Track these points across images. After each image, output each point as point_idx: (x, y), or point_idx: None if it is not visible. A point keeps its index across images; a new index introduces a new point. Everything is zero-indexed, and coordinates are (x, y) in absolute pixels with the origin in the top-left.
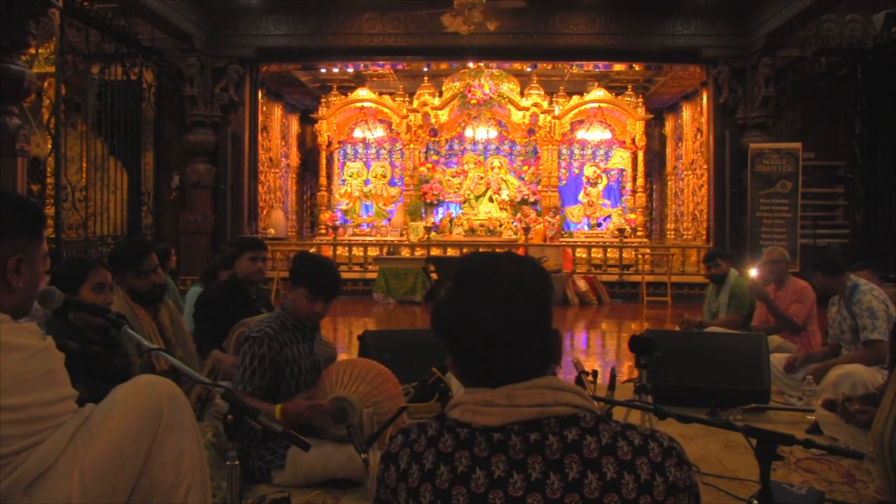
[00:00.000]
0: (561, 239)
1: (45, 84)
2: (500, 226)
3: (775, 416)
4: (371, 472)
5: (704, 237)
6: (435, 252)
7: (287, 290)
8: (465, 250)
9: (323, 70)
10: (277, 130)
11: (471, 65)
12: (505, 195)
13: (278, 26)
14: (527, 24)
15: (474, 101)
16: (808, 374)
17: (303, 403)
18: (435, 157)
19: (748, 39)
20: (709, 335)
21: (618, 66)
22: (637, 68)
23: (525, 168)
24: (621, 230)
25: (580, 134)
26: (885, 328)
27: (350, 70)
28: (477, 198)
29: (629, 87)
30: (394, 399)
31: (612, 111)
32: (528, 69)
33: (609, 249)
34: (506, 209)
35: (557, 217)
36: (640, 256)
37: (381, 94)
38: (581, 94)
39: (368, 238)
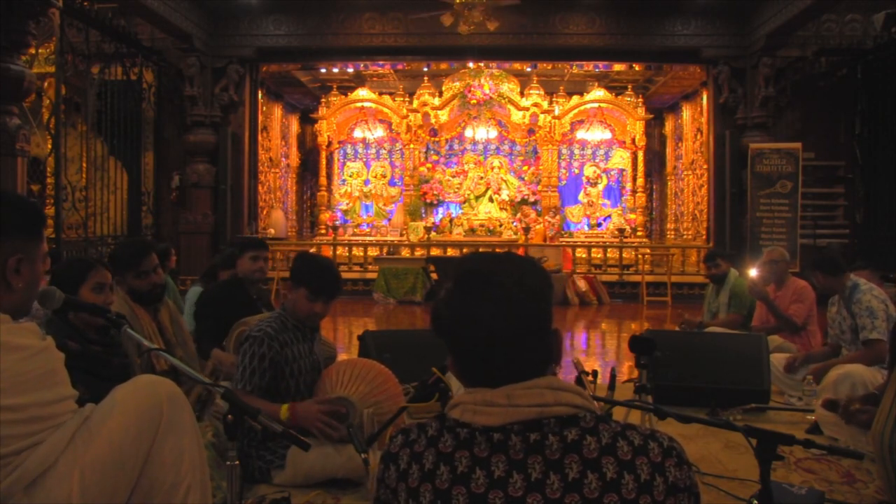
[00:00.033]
0: (561, 239)
1: (45, 84)
2: (500, 226)
3: (775, 416)
4: (371, 472)
5: (704, 237)
6: (435, 252)
7: (287, 290)
8: (465, 250)
9: (323, 70)
10: (277, 130)
11: (471, 65)
12: (505, 195)
13: (278, 26)
14: (527, 24)
15: (474, 101)
16: (808, 374)
17: (314, 408)
18: (435, 157)
19: (748, 39)
20: (709, 335)
21: (618, 66)
22: (637, 68)
23: (525, 168)
24: (621, 230)
25: (580, 134)
26: (884, 328)
27: (350, 70)
28: (477, 198)
29: (629, 87)
30: (394, 399)
31: (612, 111)
32: (528, 69)
33: (609, 249)
34: (506, 209)
35: (557, 217)
36: (640, 256)
37: (381, 94)
38: (581, 94)
39: (368, 238)
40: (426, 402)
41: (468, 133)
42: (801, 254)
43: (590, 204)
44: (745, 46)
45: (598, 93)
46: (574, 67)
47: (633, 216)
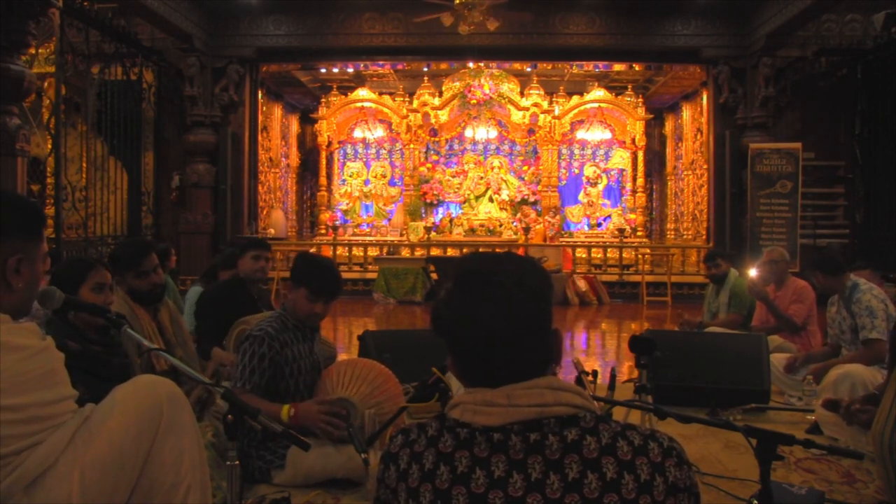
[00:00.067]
0: (561, 239)
1: (45, 84)
2: (500, 226)
3: (775, 416)
4: (371, 472)
5: (704, 237)
6: (435, 252)
7: (287, 290)
8: (465, 250)
9: (323, 70)
10: (277, 130)
11: (471, 65)
12: (505, 195)
13: (278, 26)
14: (527, 24)
15: (474, 101)
16: (808, 374)
17: (315, 408)
18: (435, 157)
19: (748, 39)
20: (709, 335)
21: (618, 66)
22: (637, 68)
23: (525, 168)
24: (621, 230)
25: (580, 134)
26: (884, 327)
27: (350, 70)
28: (477, 198)
29: (629, 87)
30: (395, 399)
31: (612, 111)
32: (528, 69)
33: (609, 249)
34: (506, 209)
35: (557, 217)
36: (640, 256)
37: (381, 94)
38: (581, 94)
39: (368, 238)
40: (426, 402)
41: (468, 133)
42: (801, 254)
43: (590, 204)
44: (745, 46)
45: (598, 93)
46: (574, 67)
47: (633, 216)
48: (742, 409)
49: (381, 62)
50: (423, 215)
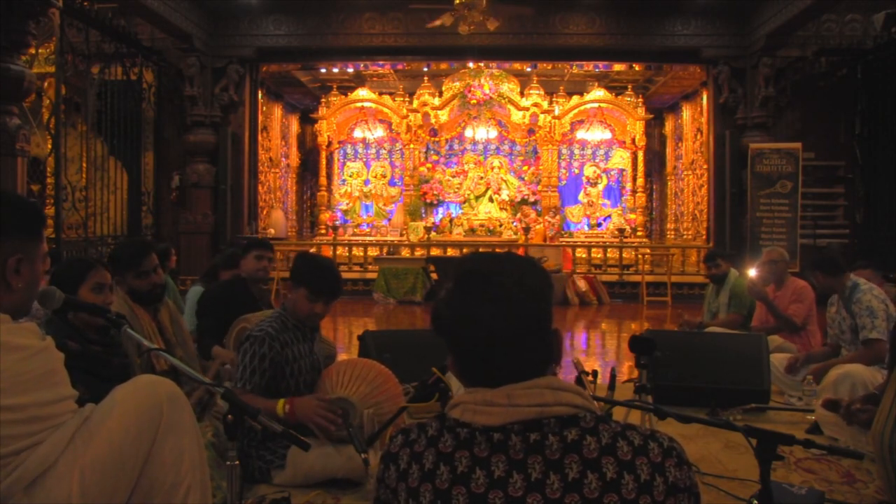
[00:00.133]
0: (561, 239)
1: (45, 84)
2: (500, 226)
3: (775, 416)
4: (371, 472)
5: (704, 237)
6: (435, 252)
7: (287, 290)
8: (465, 250)
9: (323, 70)
10: (277, 130)
11: (471, 65)
12: (505, 195)
13: (278, 26)
14: (527, 24)
15: (474, 101)
16: (808, 375)
17: (312, 402)
18: (435, 157)
19: (748, 39)
20: (709, 335)
21: (618, 66)
22: (637, 68)
23: (525, 168)
24: (621, 230)
25: (580, 134)
26: (884, 327)
27: (350, 70)
28: (477, 198)
29: (629, 87)
30: (394, 399)
31: (612, 111)
32: (528, 69)
33: (609, 249)
34: (506, 209)
35: (557, 217)
36: (640, 256)
37: (381, 94)
38: (581, 94)
39: (368, 238)
40: (426, 402)
41: (468, 133)
42: (801, 254)
43: (590, 204)
44: (745, 46)
45: (598, 93)
46: (574, 67)
47: (633, 216)
48: (742, 409)
49: (381, 62)
50: (423, 215)
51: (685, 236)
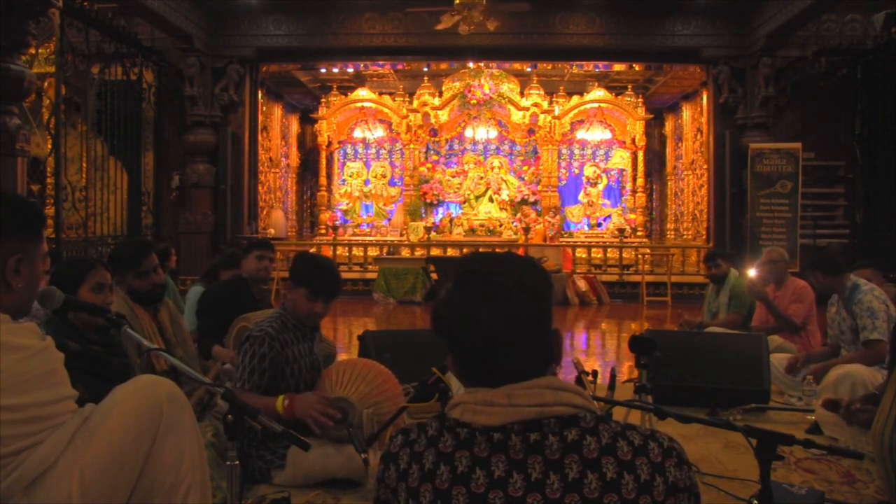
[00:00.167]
0: (561, 239)
1: (45, 84)
2: (500, 226)
3: (775, 416)
4: (371, 472)
5: (704, 237)
6: (435, 252)
7: (287, 290)
8: (465, 250)
9: (323, 70)
10: (277, 130)
11: (471, 65)
12: (505, 195)
13: (278, 26)
14: (527, 24)
15: (474, 101)
16: (808, 375)
17: (311, 398)
18: (435, 157)
19: (748, 39)
20: (709, 335)
21: (618, 66)
22: (637, 68)
23: (525, 168)
24: (621, 230)
25: (580, 134)
26: (885, 328)
27: (350, 70)
28: (477, 198)
29: (629, 87)
30: (394, 399)
31: (612, 111)
32: (528, 69)
33: (609, 249)
34: (506, 209)
35: (557, 217)
36: (640, 256)
37: (381, 94)
38: (581, 94)
39: (368, 238)
40: (426, 402)
41: (468, 133)
42: (801, 254)
43: (590, 204)
44: (745, 46)
45: (598, 93)
46: (574, 67)
47: (633, 216)
48: (742, 409)
49: (381, 62)
50: (423, 215)
51: (685, 236)
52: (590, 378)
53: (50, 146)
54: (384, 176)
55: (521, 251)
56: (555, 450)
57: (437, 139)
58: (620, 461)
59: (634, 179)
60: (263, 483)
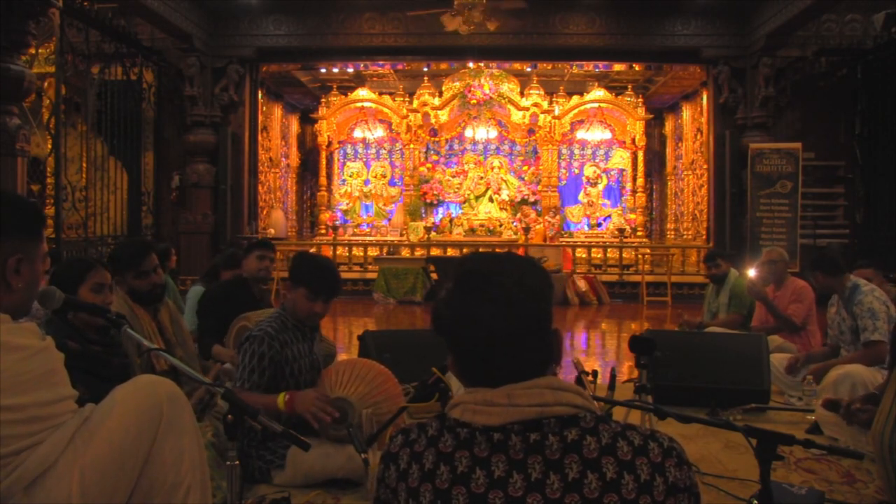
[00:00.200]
0: (561, 239)
1: (45, 84)
2: (500, 226)
3: (775, 416)
4: (371, 472)
5: (704, 237)
6: (435, 252)
7: (287, 289)
8: (465, 250)
9: (323, 70)
10: (277, 130)
11: (471, 65)
12: (505, 195)
13: (278, 26)
14: (527, 24)
15: (474, 101)
16: (808, 375)
17: (311, 394)
18: (435, 157)
19: (748, 39)
20: (709, 335)
21: (618, 66)
22: (637, 68)
23: (525, 168)
24: (621, 230)
25: (580, 134)
26: (885, 329)
27: (350, 70)
28: (477, 198)
29: (629, 87)
30: (393, 399)
31: (612, 111)
32: (528, 69)
33: (609, 249)
34: (506, 209)
35: (557, 217)
36: (640, 256)
37: (381, 94)
38: (581, 94)
39: (368, 238)
40: (426, 402)
41: (468, 133)
42: (801, 254)
43: (590, 204)
44: (745, 46)
45: (598, 93)
46: (574, 67)
47: (633, 216)
48: (742, 409)
49: (381, 62)
50: (423, 215)
51: (685, 236)
52: (590, 378)
53: (50, 146)
54: (384, 176)
55: (521, 251)
56: (555, 450)
57: (437, 139)
58: (620, 461)
59: (634, 179)
60: (263, 483)
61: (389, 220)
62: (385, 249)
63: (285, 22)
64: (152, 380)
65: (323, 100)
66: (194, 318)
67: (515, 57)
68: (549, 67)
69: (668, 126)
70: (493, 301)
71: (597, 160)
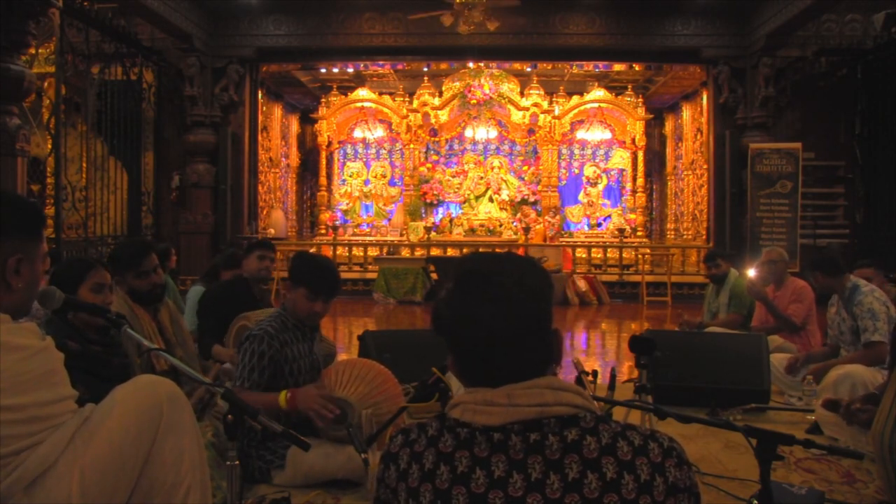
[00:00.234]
0: (561, 239)
1: (45, 84)
2: (500, 226)
3: (775, 416)
4: (371, 472)
5: (704, 237)
6: (435, 252)
7: (287, 289)
8: (465, 250)
9: (323, 70)
10: (277, 130)
11: (471, 65)
12: (505, 195)
13: (278, 26)
14: (527, 24)
15: (474, 101)
16: (808, 375)
17: (312, 391)
18: (435, 157)
19: (748, 39)
20: (709, 335)
21: (618, 66)
22: (637, 68)
23: (525, 168)
24: (621, 230)
25: (580, 134)
26: (885, 330)
27: (350, 70)
28: (477, 198)
29: (629, 87)
30: (393, 399)
31: (612, 111)
32: (528, 69)
33: (609, 249)
34: (506, 209)
35: (557, 217)
36: (640, 256)
37: (381, 94)
38: (581, 94)
39: (368, 238)
40: (426, 402)
41: (468, 133)
42: (801, 254)
43: (590, 204)
44: (745, 46)
45: (598, 93)
46: (574, 67)
47: (633, 216)
48: (742, 409)
49: (381, 62)
50: (423, 215)
51: (685, 236)
52: (590, 378)
53: (50, 146)
54: (384, 176)
55: (521, 251)
56: (555, 450)
57: (437, 139)
58: (620, 461)
59: (634, 179)
60: (263, 483)
61: (389, 220)
62: (385, 249)
63: (285, 22)
64: (152, 380)
65: (323, 100)
66: (194, 318)
67: (515, 57)
68: (549, 67)
69: (668, 126)
70: (493, 301)
71: (597, 160)
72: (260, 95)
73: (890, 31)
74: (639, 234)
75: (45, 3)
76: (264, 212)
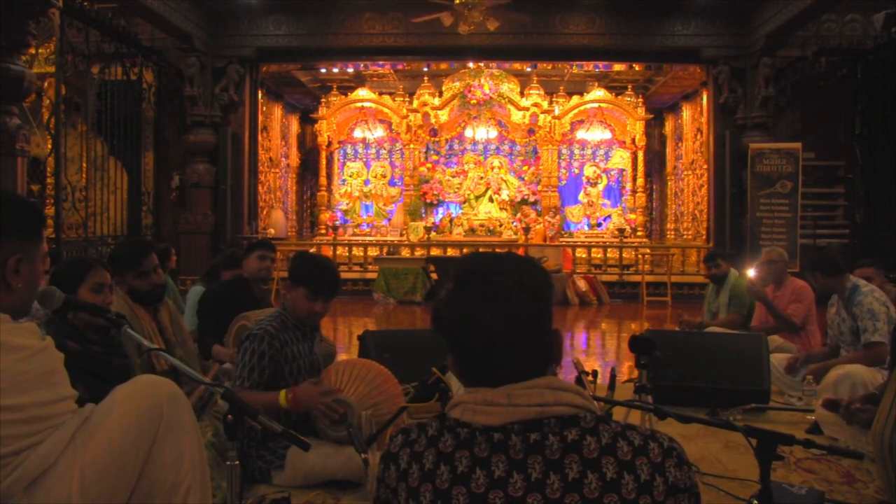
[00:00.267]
0: (561, 239)
1: (45, 84)
2: (500, 226)
3: (775, 416)
4: (371, 472)
5: (704, 237)
6: (435, 252)
7: (287, 289)
8: (465, 250)
9: (323, 70)
10: (277, 130)
11: (471, 65)
12: (505, 195)
13: (278, 26)
14: (527, 24)
15: (474, 101)
16: (808, 374)
17: (314, 389)
18: (435, 157)
19: (748, 39)
20: (709, 335)
21: (618, 66)
22: (637, 68)
23: (525, 168)
24: (621, 230)
25: (580, 134)
26: (885, 330)
27: (350, 70)
28: (477, 198)
29: (629, 87)
30: (393, 399)
31: (612, 111)
32: (528, 69)
33: (609, 249)
34: (506, 209)
35: (557, 217)
36: (640, 256)
37: (381, 94)
38: (581, 94)
39: (368, 238)
40: (426, 402)
41: (468, 133)
42: (801, 254)
43: (590, 204)
44: (745, 46)
45: (598, 93)
46: (574, 67)
47: (633, 216)
48: (742, 409)
49: (381, 62)
50: (423, 215)
51: (685, 236)
52: (590, 378)
53: (50, 146)
54: (384, 176)
55: (521, 251)
56: (555, 450)
57: (437, 139)
58: (620, 461)
59: (634, 179)
60: (263, 483)
61: (389, 220)
62: (385, 249)
63: (285, 22)
64: (152, 380)
65: (323, 100)
66: (194, 318)
67: (515, 57)
68: (549, 67)
69: (668, 126)
70: (493, 301)
71: (597, 160)
72: (260, 95)
73: (890, 31)
74: (639, 234)
75: (45, 3)
76: (264, 212)
